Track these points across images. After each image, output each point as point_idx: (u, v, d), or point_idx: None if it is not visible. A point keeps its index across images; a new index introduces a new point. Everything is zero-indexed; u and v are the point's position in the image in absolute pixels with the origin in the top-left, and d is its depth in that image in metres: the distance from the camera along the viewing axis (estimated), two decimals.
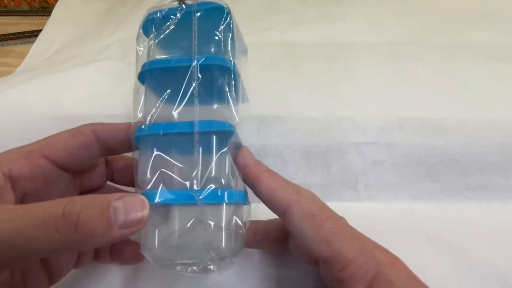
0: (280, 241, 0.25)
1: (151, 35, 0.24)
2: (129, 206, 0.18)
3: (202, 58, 0.22)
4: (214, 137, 0.22)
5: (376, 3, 0.48)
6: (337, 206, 0.23)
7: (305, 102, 0.34)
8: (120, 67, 0.38)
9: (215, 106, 0.23)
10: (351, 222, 0.22)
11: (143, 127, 0.22)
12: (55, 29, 0.52)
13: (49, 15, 0.54)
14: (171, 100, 0.22)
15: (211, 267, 0.21)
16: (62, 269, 0.24)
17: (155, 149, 0.22)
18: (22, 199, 0.21)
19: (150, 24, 0.24)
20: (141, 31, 0.25)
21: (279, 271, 0.28)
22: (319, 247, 0.20)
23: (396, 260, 0.21)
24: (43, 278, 0.22)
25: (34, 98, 0.35)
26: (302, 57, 0.39)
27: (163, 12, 0.24)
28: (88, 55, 0.41)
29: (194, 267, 0.21)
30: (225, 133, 0.22)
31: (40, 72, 0.39)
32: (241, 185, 0.23)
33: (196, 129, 0.21)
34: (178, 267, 0.21)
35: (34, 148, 0.21)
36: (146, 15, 0.24)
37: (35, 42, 0.50)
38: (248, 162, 0.23)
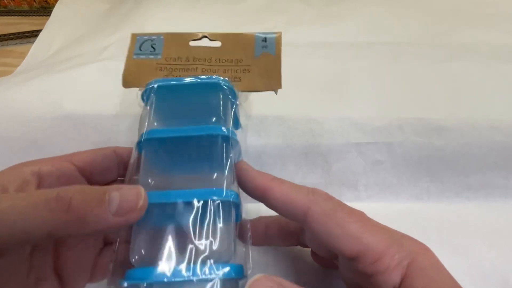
0: (294, 235, 0.25)
1: (150, 103, 0.24)
2: (125, 194, 0.18)
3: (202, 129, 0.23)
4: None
5: (376, 3, 0.48)
6: None
7: (305, 102, 0.34)
8: (120, 67, 0.38)
9: (215, 175, 0.22)
10: None
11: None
12: (55, 29, 0.52)
13: (49, 15, 0.54)
14: (169, 170, 0.23)
15: None
16: (76, 279, 0.23)
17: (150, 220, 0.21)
18: None
19: (149, 93, 0.25)
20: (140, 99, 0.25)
21: (290, 268, 0.28)
22: (348, 243, 0.20)
23: (426, 248, 0.20)
24: (55, 286, 0.22)
25: (34, 98, 0.35)
26: (302, 57, 0.39)
27: (162, 83, 0.25)
28: (88, 55, 0.41)
29: None
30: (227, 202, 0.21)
31: (40, 72, 0.39)
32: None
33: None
34: None
35: (63, 155, 0.23)
36: (147, 84, 0.25)
37: (35, 42, 0.50)
38: (253, 174, 0.22)
